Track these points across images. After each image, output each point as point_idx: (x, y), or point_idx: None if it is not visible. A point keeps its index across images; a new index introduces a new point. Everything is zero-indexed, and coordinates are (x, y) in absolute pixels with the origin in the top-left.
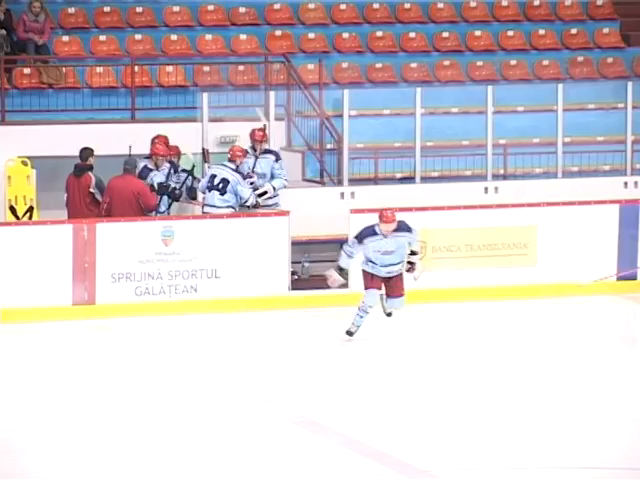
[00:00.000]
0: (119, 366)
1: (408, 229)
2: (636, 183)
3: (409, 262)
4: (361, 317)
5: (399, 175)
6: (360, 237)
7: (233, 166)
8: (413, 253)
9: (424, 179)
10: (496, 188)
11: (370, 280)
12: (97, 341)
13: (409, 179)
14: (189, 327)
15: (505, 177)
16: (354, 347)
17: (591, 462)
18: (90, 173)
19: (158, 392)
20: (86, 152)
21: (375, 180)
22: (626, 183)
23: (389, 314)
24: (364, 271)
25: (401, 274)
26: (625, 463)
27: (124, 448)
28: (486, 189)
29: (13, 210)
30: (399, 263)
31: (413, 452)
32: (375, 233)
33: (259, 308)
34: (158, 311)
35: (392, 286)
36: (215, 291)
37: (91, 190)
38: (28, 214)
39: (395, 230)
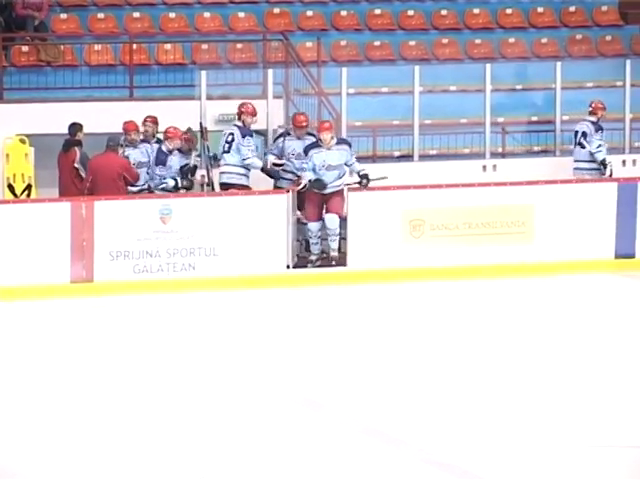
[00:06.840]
0: (117, 344)
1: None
2: (634, 161)
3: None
4: None
5: (397, 153)
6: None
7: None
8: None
9: (422, 157)
10: (494, 166)
11: None
12: (95, 319)
13: (407, 157)
14: (187, 305)
15: (503, 155)
16: (352, 326)
17: (607, 441)
18: (76, 148)
19: (157, 371)
20: (74, 127)
21: (373, 158)
22: (624, 161)
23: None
24: None
25: None
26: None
27: (125, 431)
28: (484, 167)
29: (11, 188)
30: None
31: (417, 431)
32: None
33: (257, 286)
34: (156, 289)
35: None
36: (213, 269)
37: (75, 165)
38: (26, 192)
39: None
